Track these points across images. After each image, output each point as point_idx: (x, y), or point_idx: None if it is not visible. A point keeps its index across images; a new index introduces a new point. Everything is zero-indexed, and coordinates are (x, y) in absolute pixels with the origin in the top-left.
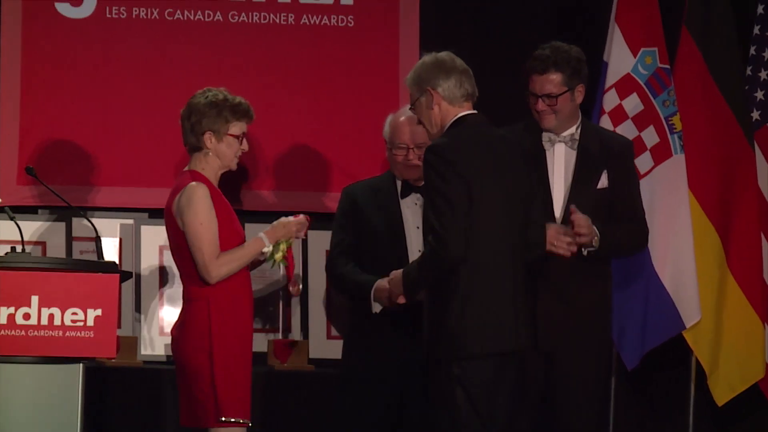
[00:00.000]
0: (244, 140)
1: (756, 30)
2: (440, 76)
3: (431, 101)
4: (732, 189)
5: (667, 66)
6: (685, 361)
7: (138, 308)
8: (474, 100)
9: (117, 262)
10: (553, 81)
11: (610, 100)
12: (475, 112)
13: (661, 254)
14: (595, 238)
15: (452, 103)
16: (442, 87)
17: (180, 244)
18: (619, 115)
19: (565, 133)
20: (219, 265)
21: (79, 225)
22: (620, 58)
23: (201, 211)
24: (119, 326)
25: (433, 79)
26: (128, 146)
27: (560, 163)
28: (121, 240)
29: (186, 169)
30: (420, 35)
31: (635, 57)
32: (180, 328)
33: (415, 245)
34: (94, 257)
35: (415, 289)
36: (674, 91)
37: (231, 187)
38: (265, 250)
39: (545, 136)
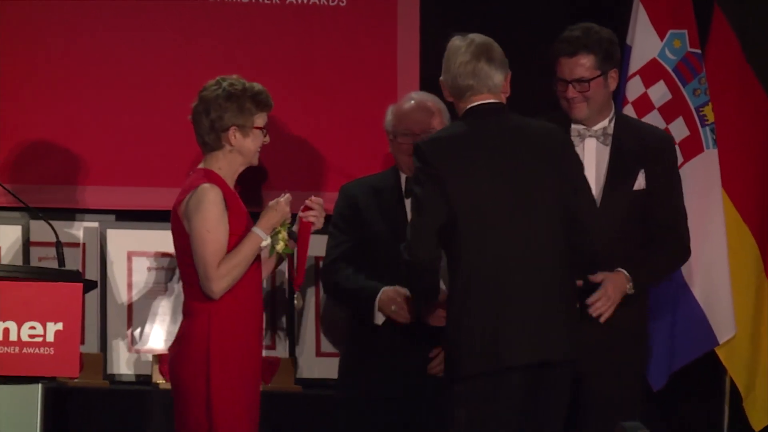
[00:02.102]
0: (266, 133)
1: None
2: (443, 68)
3: (444, 93)
4: None
5: (698, 50)
6: (718, 381)
7: (103, 322)
8: (491, 90)
9: (80, 270)
10: (584, 64)
11: (634, 88)
12: (489, 101)
13: (691, 261)
14: (629, 285)
15: (457, 97)
16: (445, 80)
17: (186, 249)
18: (644, 105)
19: (597, 127)
20: (220, 277)
21: (38, 228)
22: (645, 42)
23: (210, 217)
24: (82, 342)
25: (443, 69)
26: (93, 141)
27: (591, 161)
28: (84, 245)
29: (200, 166)
30: (421, 16)
31: (662, 40)
32: (177, 345)
33: None
34: (54, 264)
35: (417, 301)
36: (706, 78)
37: None
38: (264, 244)
39: (574, 129)
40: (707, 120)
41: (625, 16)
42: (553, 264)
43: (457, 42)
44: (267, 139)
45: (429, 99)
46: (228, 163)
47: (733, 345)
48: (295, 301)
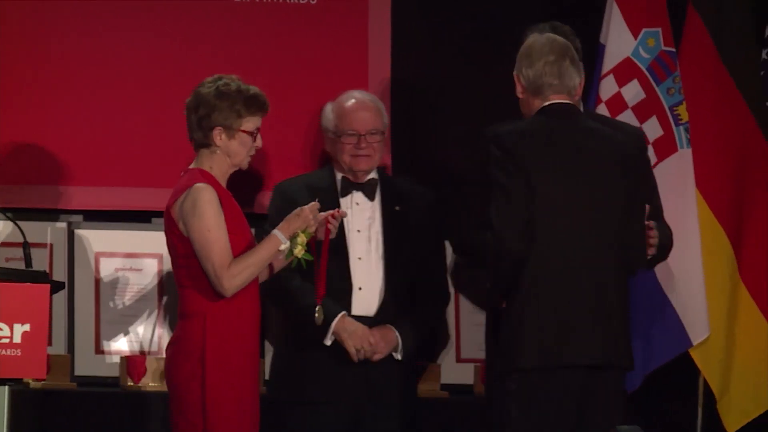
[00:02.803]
0: (258, 136)
1: None
2: (524, 63)
3: (517, 88)
4: (745, 188)
5: (672, 49)
6: (692, 383)
7: (71, 323)
8: (570, 91)
9: (47, 270)
10: None
11: (608, 87)
12: (564, 101)
13: (664, 262)
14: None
15: (535, 94)
16: (524, 75)
17: (178, 251)
18: (617, 104)
19: None
20: (232, 276)
21: (4, 228)
22: (619, 40)
23: (208, 217)
24: (50, 343)
25: (520, 65)
26: (61, 141)
27: None
28: (51, 246)
29: (191, 166)
30: (392, 14)
31: (636, 39)
32: (172, 347)
33: (355, 251)
34: (21, 265)
35: (496, 295)
36: (680, 77)
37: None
38: (282, 248)
39: None
40: (681, 119)
41: (599, 15)
42: (616, 267)
43: (540, 39)
44: (259, 144)
45: (370, 98)
46: (218, 164)
47: (708, 346)
48: (316, 315)
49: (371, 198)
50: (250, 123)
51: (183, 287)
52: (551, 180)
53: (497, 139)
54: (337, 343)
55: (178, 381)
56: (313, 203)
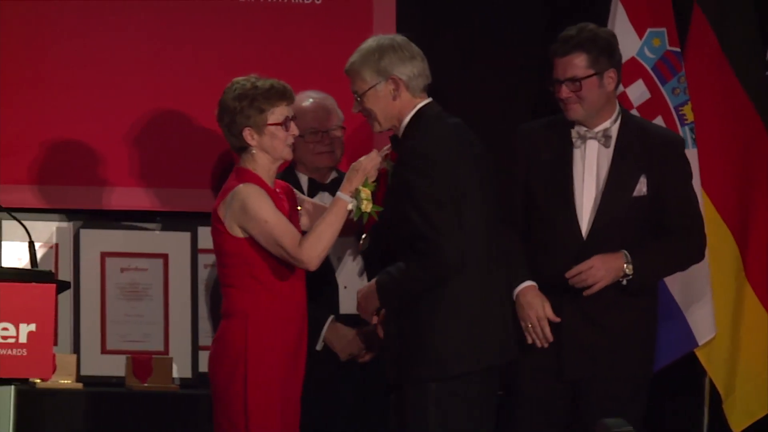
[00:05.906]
0: (292, 124)
1: None
2: (404, 62)
3: (393, 90)
4: (751, 188)
5: (678, 49)
6: (698, 384)
7: (77, 323)
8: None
9: (53, 270)
10: (576, 64)
11: None
12: (430, 100)
13: None
14: (627, 266)
15: (413, 94)
16: (406, 75)
17: (223, 250)
18: (622, 104)
19: (598, 128)
20: (307, 249)
21: (10, 228)
22: (624, 40)
23: (260, 209)
24: (56, 343)
25: (397, 64)
26: (66, 140)
27: (591, 164)
28: (57, 245)
29: (236, 166)
30: (397, 15)
31: (641, 39)
32: (215, 345)
33: (335, 250)
34: (27, 265)
35: (395, 304)
36: (685, 77)
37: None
38: (351, 207)
39: (575, 131)
40: (686, 119)
41: (604, 15)
42: (503, 270)
43: (399, 39)
44: (294, 131)
45: (323, 96)
46: (260, 163)
47: (713, 347)
48: (361, 242)
49: None
50: (276, 114)
51: (226, 287)
52: (467, 183)
53: (417, 149)
54: (326, 347)
55: (220, 380)
56: (373, 152)
